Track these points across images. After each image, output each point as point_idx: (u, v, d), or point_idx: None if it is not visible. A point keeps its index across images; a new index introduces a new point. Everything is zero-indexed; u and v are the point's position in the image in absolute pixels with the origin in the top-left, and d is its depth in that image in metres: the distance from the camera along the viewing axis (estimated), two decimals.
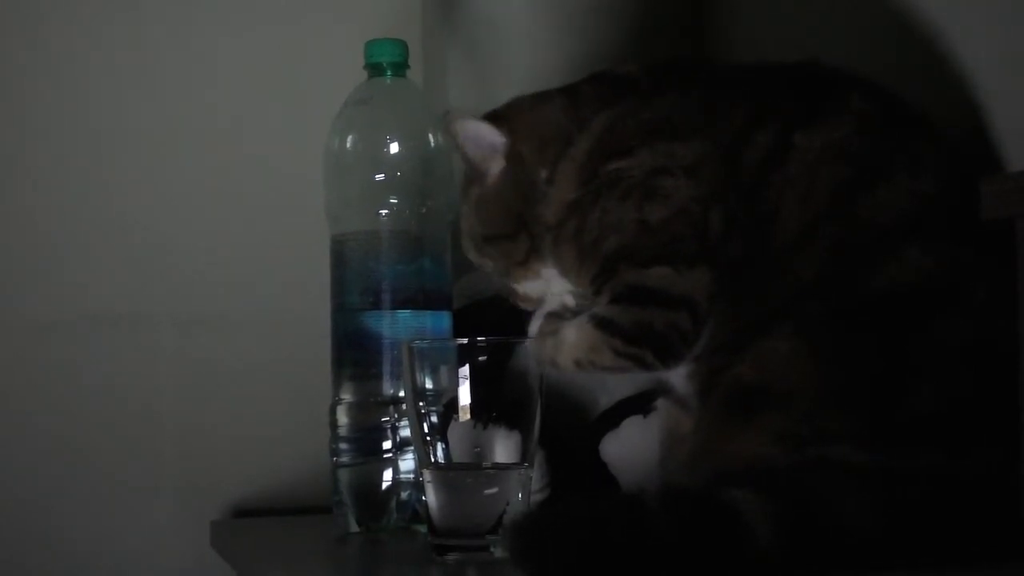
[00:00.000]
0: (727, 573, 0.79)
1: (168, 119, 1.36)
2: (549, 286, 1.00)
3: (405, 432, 1.07)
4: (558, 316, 0.97)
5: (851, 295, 0.86)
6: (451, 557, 0.91)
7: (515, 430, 0.92)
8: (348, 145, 1.12)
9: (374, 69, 1.14)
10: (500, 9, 1.31)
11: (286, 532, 1.21)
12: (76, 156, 1.34)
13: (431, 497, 0.92)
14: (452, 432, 0.92)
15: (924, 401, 0.84)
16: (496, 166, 1.01)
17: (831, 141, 0.89)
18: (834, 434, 0.84)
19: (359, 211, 1.11)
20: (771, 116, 0.92)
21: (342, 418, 1.10)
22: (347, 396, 1.10)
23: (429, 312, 1.10)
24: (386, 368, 1.08)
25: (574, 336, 0.93)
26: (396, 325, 1.09)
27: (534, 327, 0.98)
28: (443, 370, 0.93)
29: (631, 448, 1.02)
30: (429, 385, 0.93)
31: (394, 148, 1.11)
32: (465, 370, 0.91)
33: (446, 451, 0.92)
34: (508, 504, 0.90)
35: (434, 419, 0.93)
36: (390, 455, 1.08)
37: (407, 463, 1.07)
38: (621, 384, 1.05)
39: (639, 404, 1.03)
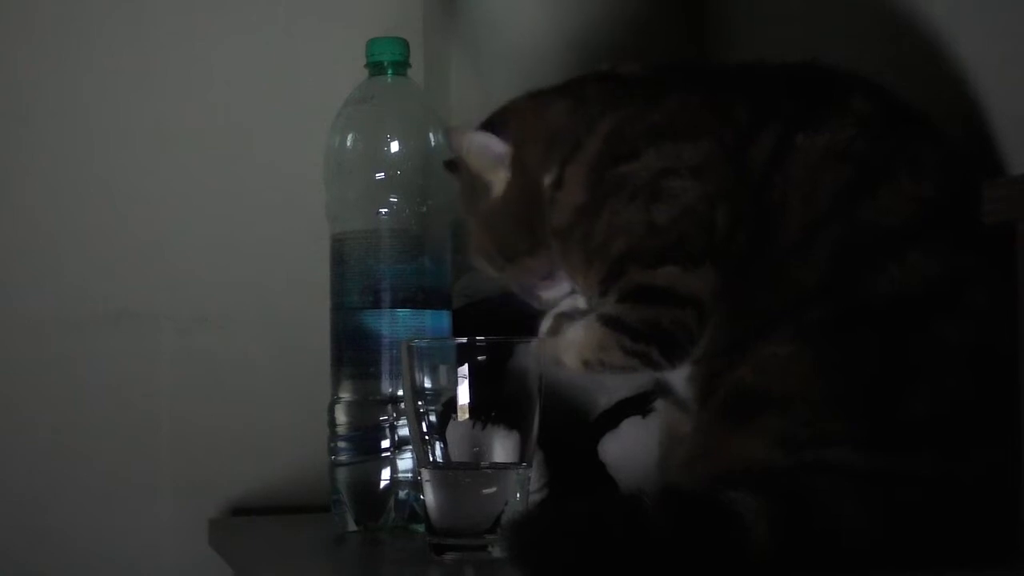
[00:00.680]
0: (725, 574, 0.79)
1: (168, 118, 1.36)
2: (569, 289, 1.00)
3: (404, 431, 1.07)
4: (568, 317, 0.97)
5: (852, 298, 0.86)
6: (449, 556, 0.91)
7: (514, 430, 0.92)
8: (348, 144, 1.12)
9: (375, 68, 1.14)
10: (501, 8, 1.31)
11: (284, 531, 1.20)
12: (76, 156, 1.34)
13: (429, 496, 0.92)
14: (451, 431, 0.92)
15: (924, 403, 0.84)
16: (500, 177, 1.00)
17: (832, 142, 0.89)
18: (833, 436, 0.84)
19: (359, 210, 1.11)
20: (773, 117, 0.92)
21: (341, 417, 1.10)
22: (346, 395, 1.10)
23: (428, 311, 1.10)
24: (385, 367, 1.08)
25: (582, 335, 0.93)
26: (395, 324, 1.09)
27: (544, 327, 0.97)
28: (442, 369, 0.93)
29: (630, 449, 1.02)
30: (428, 384, 0.93)
31: (395, 147, 1.11)
32: (464, 369, 0.91)
33: (444, 450, 0.92)
34: (506, 504, 0.90)
35: (433, 418, 0.92)
36: (388, 454, 1.08)
37: (405, 462, 1.07)
38: (620, 385, 1.05)
39: (638, 405, 1.03)
